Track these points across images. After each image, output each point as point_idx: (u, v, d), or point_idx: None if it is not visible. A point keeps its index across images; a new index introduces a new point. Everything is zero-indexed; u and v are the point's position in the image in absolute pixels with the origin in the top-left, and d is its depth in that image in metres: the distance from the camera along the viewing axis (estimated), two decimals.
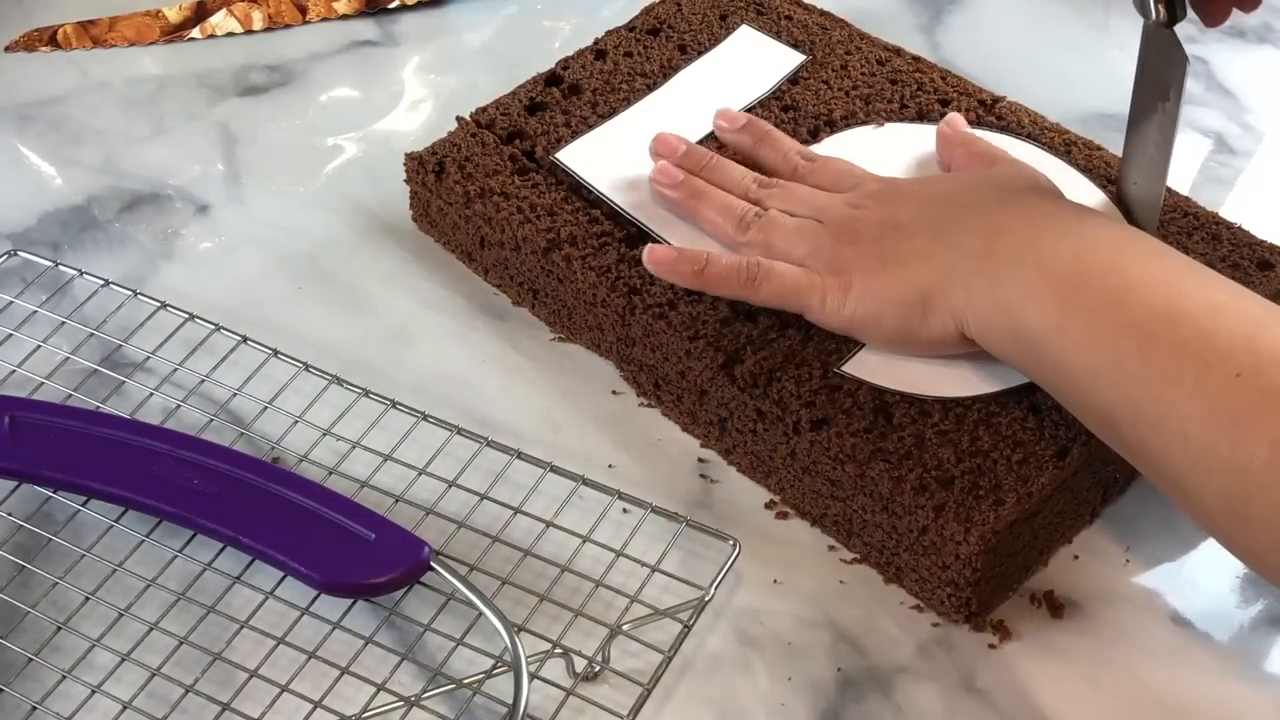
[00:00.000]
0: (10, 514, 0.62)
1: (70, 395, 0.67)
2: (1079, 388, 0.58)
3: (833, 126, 0.75)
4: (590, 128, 0.75)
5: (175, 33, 0.88)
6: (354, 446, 0.65)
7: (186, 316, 0.69)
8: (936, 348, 0.63)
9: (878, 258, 0.64)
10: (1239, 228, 0.70)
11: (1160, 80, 0.64)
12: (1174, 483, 0.56)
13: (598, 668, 0.58)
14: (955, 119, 0.73)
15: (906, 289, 0.63)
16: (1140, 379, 0.55)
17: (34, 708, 0.56)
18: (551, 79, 0.78)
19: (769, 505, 0.65)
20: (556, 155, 0.73)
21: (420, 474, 0.64)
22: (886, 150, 0.73)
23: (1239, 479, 0.52)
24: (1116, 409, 0.56)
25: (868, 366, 0.64)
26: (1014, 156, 0.70)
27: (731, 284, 0.66)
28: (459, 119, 0.76)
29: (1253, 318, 0.55)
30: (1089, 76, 0.86)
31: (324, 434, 0.65)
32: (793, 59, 0.78)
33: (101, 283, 0.71)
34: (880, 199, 0.67)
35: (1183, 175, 0.80)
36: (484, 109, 0.76)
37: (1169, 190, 0.70)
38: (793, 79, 0.78)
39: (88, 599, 0.59)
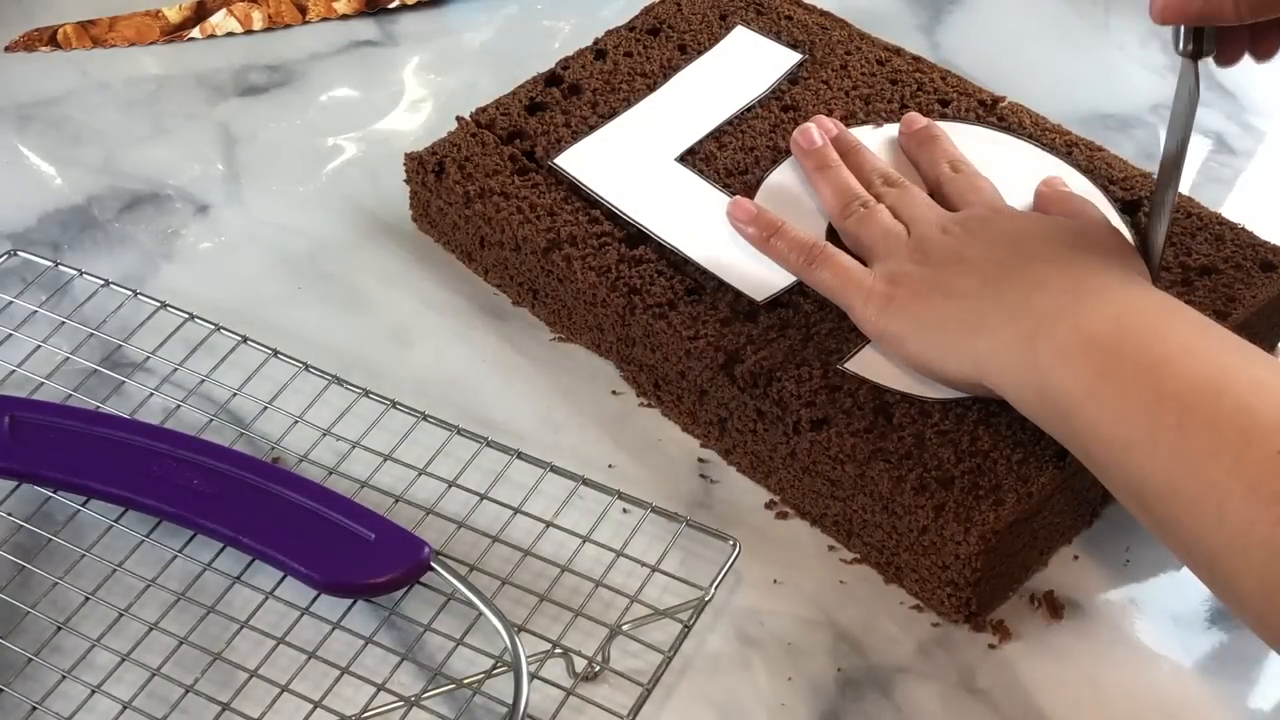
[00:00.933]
0: (10, 514, 0.62)
1: (70, 395, 0.67)
2: (1111, 458, 0.57)
3: None
4: (590, 128, 0.75)
5: (175, 33, 0.88)
6: (354, 446, 0.65)
7: (186, 316, 0.69)
8: (952, 385, 0.63)
9: (930, 283, 0.64)
10: (1242, 228, 0.70)
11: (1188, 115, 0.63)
12: (1207, 563, 0.54)
13: (598, 668, 0.58)
14: (1054, 181, 0.71)
15: (938, 320, 0.63)
16: (1177, 453, 0.54)
17: (34, 708, 0.56)
18: (551, 79, 0.78)
19: (769, 505, 0.65)
20: (555, 160, 0.73)
21: (420, 474, 0.64)
22: (886, 150, 0.73)
23: (1279, 558, 0.51)
24: (1149, 482, 0.55)
25: (870, 365, 0.64)
26: (1098, 208, 0.68)
27: (791, 260, 0.68)
28: (459, 119, 0.76)
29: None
30: (1089, 76, 0.86)
31: (324, 434, 0.65)
32: (790, 58, 0.78)
33: (101, 283, 0.71)
34: (967, 228, 0.66)
35: (1183, 175, 0.80)
36: (484, 109, 0.76)
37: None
38: (793, 79, 0.78)
39: (88, 599, 0.59)
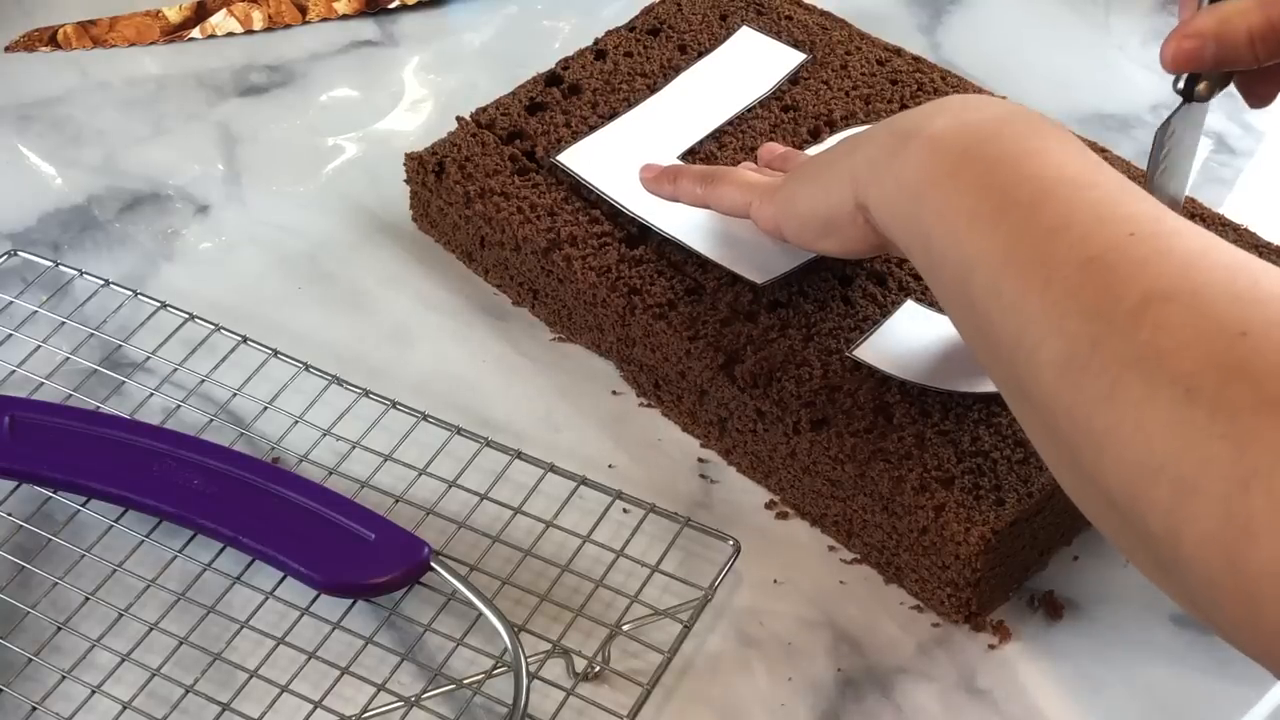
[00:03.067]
0: (10, 514, 0.62)
1: (70, 395, 0.67)
2: (950, 240, 0.53)
3: (833, 127, 0.75)
4: (590, 128, 0.75)
5: (175, 33, 0.88)
6: (354, 446, 0.65)
7: (186, 316, 0.69)
8: (842, 226, 0.61)
9: (810, 163, 0.65)
10: (1245, 229, 0.70)
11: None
12: (1014, 340, 0.50)
13: (598, 668, 0.58)
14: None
15: (818, 172, 0.63)
16: (1022, 226, 0.51)
17: (34, 708, 0.56)
18: (551, 79, 0.78)
19: (769, 505, 0.65)
20: (558, 157, 0.73)
21: (420, 474, 0.64)
22: None
23: (1095, 321, 0.47)
24: (983, 258, 0.51)
25: (877, 353, 0.64)
26: None
27: (697, 192, 0.69)
28: (459, 119, 0.76)
29: (1155, 204, 0.51)
30: (1089, 76, 0.86)
31: (324, 434, 0.65)
32: (793, 58, 0.78)
33: (101, 283, 0.71)
34: None
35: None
36: (484, 109, 0.76)
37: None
38: (793, 79, 0.78)
39: (88, 599, 0.59)
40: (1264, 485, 0.42)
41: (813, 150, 0.74)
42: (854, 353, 0.64)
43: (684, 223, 0.70)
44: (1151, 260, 0.48)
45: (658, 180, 0.71)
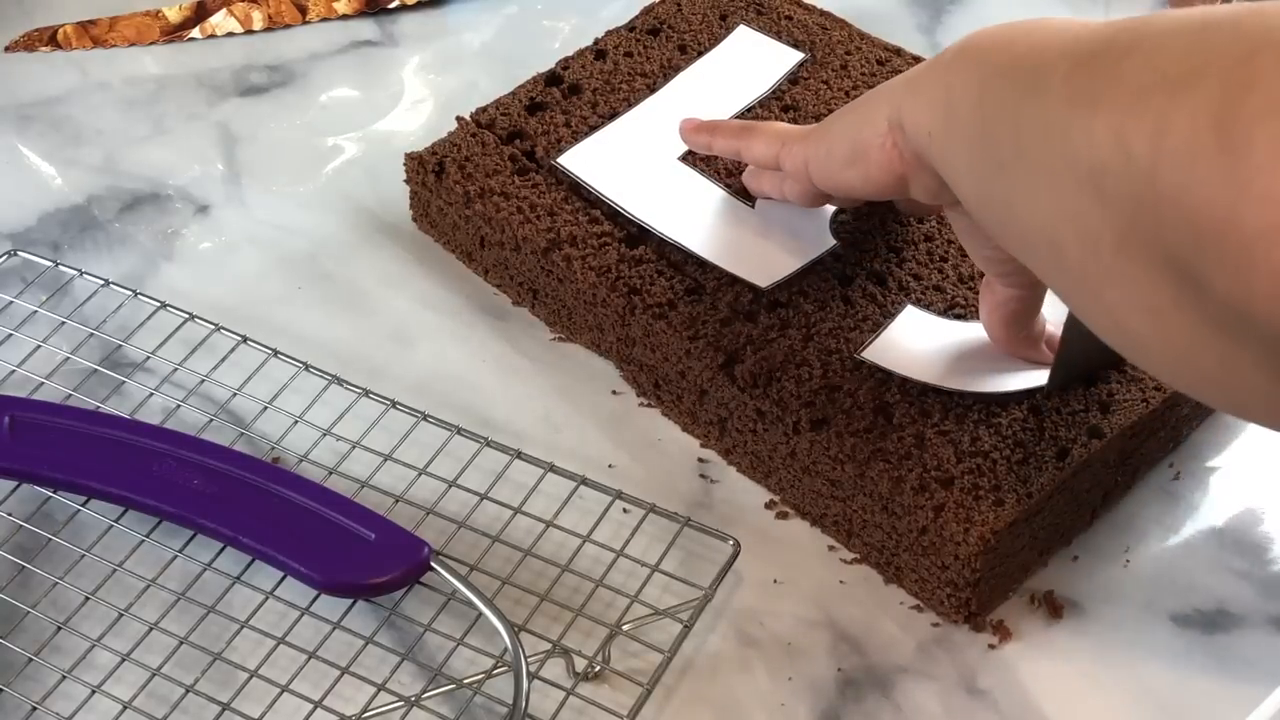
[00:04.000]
0: (10, 514, 0.62)
1: (70, 395, 0.67)
2: (975, 121, 0.53)
3: None
4: (591, 128, 0.75)
5: (175, 33, 0.88)
6: (354, 446, 0.65)
7: (186, 316, 0.69)
8: (869, 152, 0.60)
9: (850, 103, 0.63)
10: None
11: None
12: (1094, 164, 0.46)
13: (598, 668, 0.58)
14: None
15: (857, 104, 0.62)
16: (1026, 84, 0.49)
17: (34, 708, 0.56)
18: (551, 79, 0.78)
19: (769, 505, 0.65)
20: (558, 160, 0.73)
21: (420, 474, 0.64)
22: None
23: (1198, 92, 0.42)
24: (1040, 94, 0.49)
25: (885, 354, 0.64)
26: None
27: (736, 136, 0.70)
28: (459, 119, 0.76)
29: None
30: None
31: (324, 434, 0.65)
32: (792, 58, 0.78)
33: (101, 283, 0.71)
34: None
35: None
36: (484, 109, 0.76)
37: None
38: (793, 79, 0.78)
39: (88, 599, 0.59)
40: None
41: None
42: (862, 354, 0.64)
43: (684, 225, 0.70)
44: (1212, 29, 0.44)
45: (696, 131, 0.72)
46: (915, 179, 0.59)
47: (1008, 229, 0.52)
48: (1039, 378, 0.63)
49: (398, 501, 0.63)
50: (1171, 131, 0.42)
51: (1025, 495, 0.60)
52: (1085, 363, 0.63)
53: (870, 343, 0.65)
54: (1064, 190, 0.47)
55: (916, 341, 0.65)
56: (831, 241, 0.69)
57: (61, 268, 0.72)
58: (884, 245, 0.70)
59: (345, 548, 0.59)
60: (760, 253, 0.68)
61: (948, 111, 0.55)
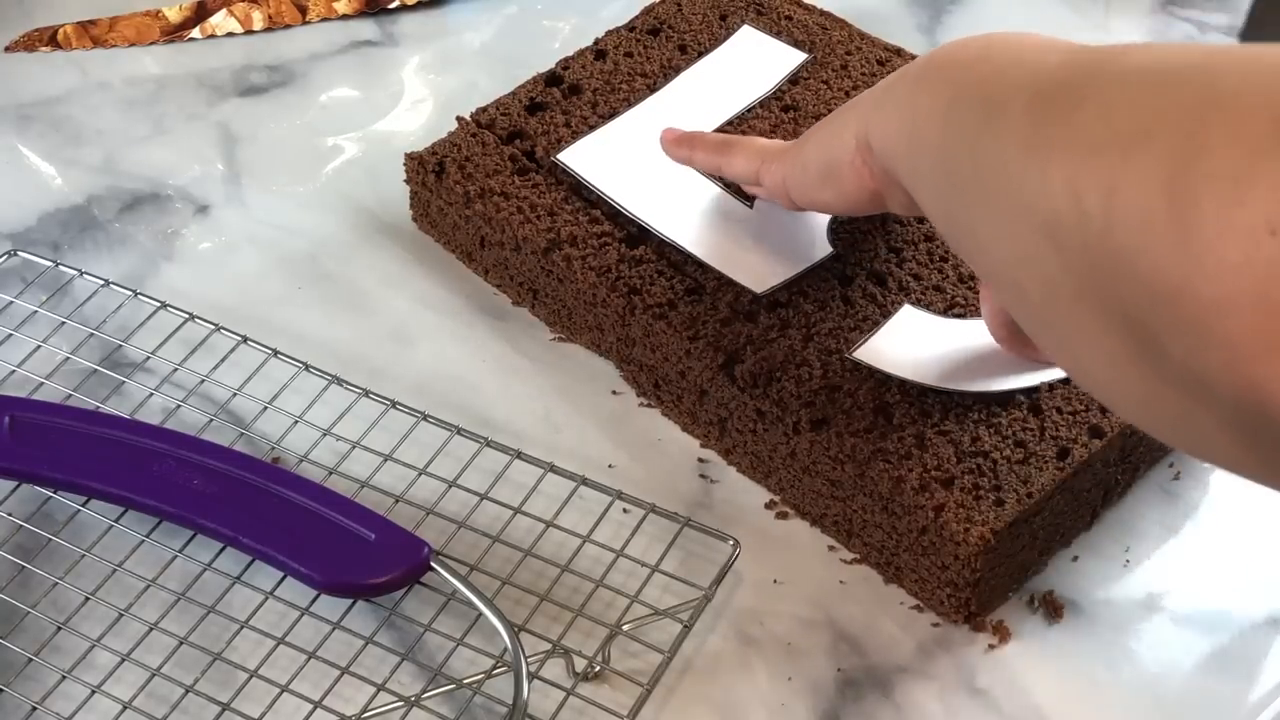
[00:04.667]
0: (10, 514, 0.62)
1: (70, 395, 0.67)
2: (939, 144, 0.52)
3: None
4: (591, 128, 0.75)
5: (175, 33, 0.88)
6: (354, 446, 0.65)
7: (186, 316, 0.69)
8: (841, 170, 0.60)
9: (823, 120, 0.63)
10: None
11: None
12: (1042, 211, 0.45)
13: (598, 668, 0.58)
14: None
15: (829, 120, 0.62)
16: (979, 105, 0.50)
17: (34, 708, 0.56)
18: (551, 79, 0.78)
19: (769, 505, 0.65)
20: (558, 156, 0.73)
21: (420, 474, 0.64)
22: None
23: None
24: (1000, 134, 0.48)
25: (877, 354, 0.64)
26: None
27: (714, 150, 0.69)
28: (459, 119, 0.76)
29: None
30: None
31: (324, 434, 0.65)
32: (794, 58, 0.78)
33: (101, 283, 0.71)
34: None
35: None
36: (484, 109, 0.76)
37: None
38: (793, 79, 0.78)
39: (88, 599, 0.59)
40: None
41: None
42: (854, 354, 0.64)
43: (683, 226, 0.70)
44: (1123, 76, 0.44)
45: (677, 143, 0.72)
46: (889, 195, 0.59)
47: (974, 257, 0.52)
48: (1034, 378, 0.63)
49: (398, 501, 0.63)
50: (1123, 192, 0.41)
51: (1025, 495, 0.60)
52: None
53: (863, 343, 0.65)
54: (1022, 233, 0.46)
55: (911, 341, 0.65)
56: (829, 249, 0.69)
57: (61, 268, 0.72)
58: (884, 245, 0.70)
59: (345, 548, 0.59)
60: (757, 256, 0.68)
61: (913, 130, 0.54)
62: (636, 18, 0.82)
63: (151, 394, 0.67)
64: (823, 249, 0.69)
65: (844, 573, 0.63)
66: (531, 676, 0.56)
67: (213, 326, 0.69)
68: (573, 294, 0.70)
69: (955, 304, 0.67)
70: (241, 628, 0.59)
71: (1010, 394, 0.63)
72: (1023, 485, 0.60)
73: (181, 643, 0.58)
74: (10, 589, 0.60)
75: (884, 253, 0.69)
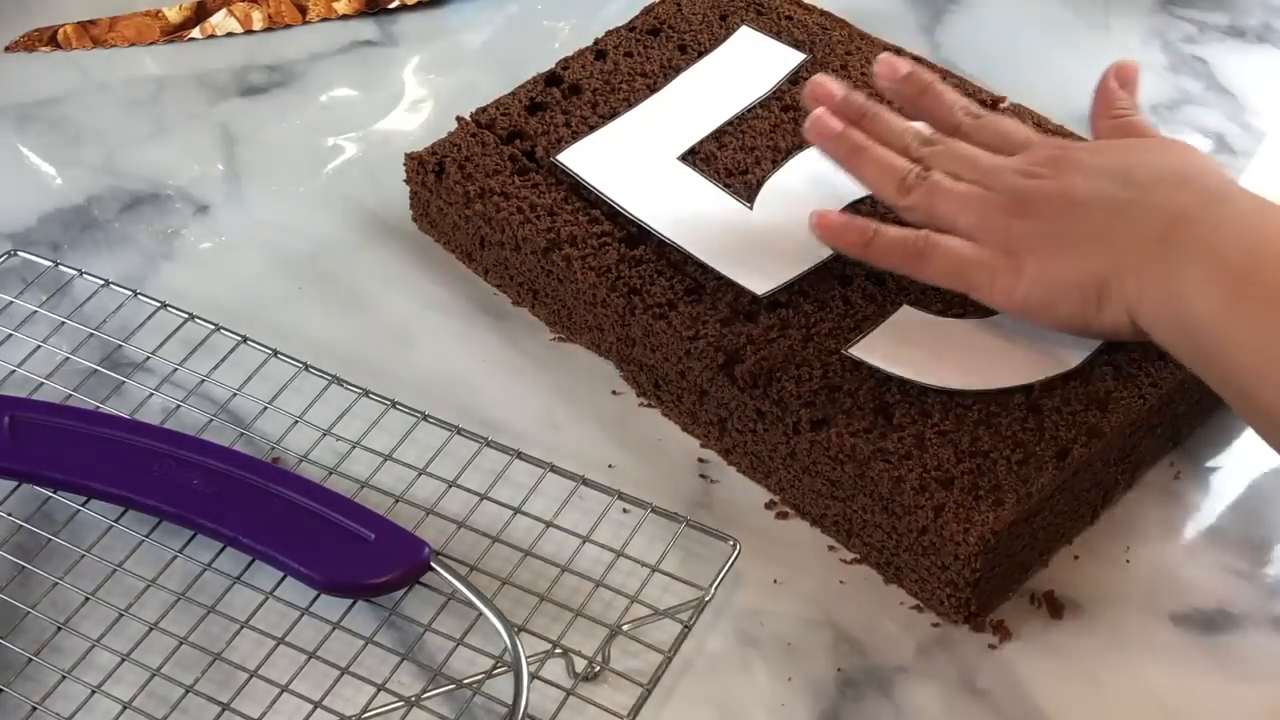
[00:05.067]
0: (10, 514, 0.62)
1: (70, 395, 0.67)
2: (1244, 387, 0.56)
3: None
4: (591, 128, 0.75)
5: (175, 33, 0.88)
6: (354, 446, 0.65)
7: (186, 316, 0.69)
8: (1110, 336, 0.62)
9: (1051, 237, 0.61)
10: None
11: None
12: None
13: (598, 668, 0.58)
14: (1127, 69, 0.68)
15: (1081, 274, 0.60)
16: None
17: (34, 708, 0.56)
18: (551, 79, 0.78)
19: (769, 505, 0.65)
20: (558, 157, 0.73)
21: (420, 474, 0.64)
22: None
23: None
24: None
25: (875, 351, 0.64)
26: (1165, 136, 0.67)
27: (898, 256, 0.65)
28: (459, 119, 0.76)
29: None
30: (1089, 76, 0.86)
31: (324, 434, 0.65)
32: (793, 58, 0.78)
33: (101, 283, 0.71)
34: (1055, 167, 0.63)
35: None
36: (484, 109, 0.76)
37: None
38: (793, 79, 0.78)
39: (88, 599, 0.59)
40: None
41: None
42: (850, 351, 0.64)
43: (683, 227, 0.70)
44: None
45: (849, 230, 0.66)
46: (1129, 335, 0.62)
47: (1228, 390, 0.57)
48: (1028, 375, 0.63)
49: (398, 501, 0.63)
50: None
51: (1025, 495, 0.60)
52: None
53: (859, 340, 0.65)
54: None
55: (910, 340, 0.65)
56: (829, 250, 0.69)
57: (61, 268, 0.72)
58: None
59: (345, 548, 0.59)
60: (758, 257, 0.68)
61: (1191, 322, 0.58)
62: (636, 18, 0.82)
63: (151, 394, 0.67)
64: (823, 250, 0.68)
65: (844, 573, 0.63)
66: (531, 676, 0.56)
67: (213, 326, 0.69)
68: (573, 294, 0.70)
69: (954, 304, 0.67)
70: (241, 628, 0.59)
71: (1009, 393, 0.63)
72: (1022, 486, 0.60)
73: (181, 643, 0.58)
74: (10, 589, 0.60)
75: None
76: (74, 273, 0.72)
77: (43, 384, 0.67)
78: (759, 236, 0.70)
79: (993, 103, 0.76)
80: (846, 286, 0.68)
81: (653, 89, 0.77)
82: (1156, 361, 0.64)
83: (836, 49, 0.79)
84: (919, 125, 0.68)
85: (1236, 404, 0.58)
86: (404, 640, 0.59)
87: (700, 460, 0.67)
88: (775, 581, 0.62)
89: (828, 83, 0.69)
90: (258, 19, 0.89)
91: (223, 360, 0.68)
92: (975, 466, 0.61)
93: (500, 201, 0.72)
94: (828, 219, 0.66)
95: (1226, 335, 0.56)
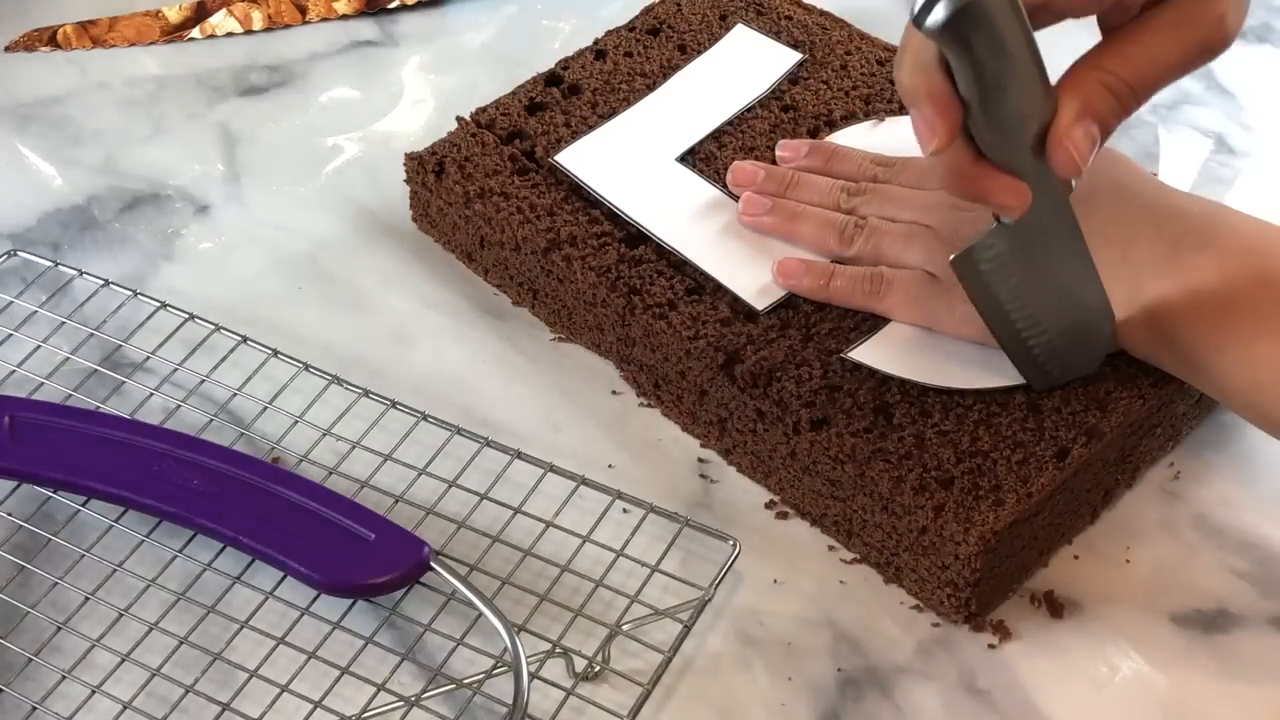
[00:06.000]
0: (10, 514, 0.62)
1: (70, 395, 0.67)
2: (1246, 400, 0.59)
3: (833, 127, 0.75)
4: (590, 128, 0.75)
5: (175, 33, 0.88)
6: (354, 446, 0.65)
7: (186, 316, 0.69)
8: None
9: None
10: None
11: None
12: None
13: (598, 668, 0.58)
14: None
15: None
16: None
17: (34, 708, 0.56)
18: (551, 79, 0.78)
19: (769, 505, 0.65)
20: (556, 157, 0.73)
21: (420, 474, 0.64)
22: (887, 145, 0.73)
23: None
24: None
25: (874, 354, 0.64)
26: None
27: (856, 296, 0.66)
28: (459, 119, 0.76)
29: None
30: None
31: (324, 434, 0.65)
32: (790, 58, 0.78)
33: (101, 283, 0.71)
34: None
35: (1183, 175, 0.80)
36: (484, 109, 0.76)
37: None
38: (793, 79, 0.78)
39: (88, 599, 0.59)
40: None
41: (861, 131, 0.73)
42: (849, 354, 0.64)
43: (684, 233, 0.70)
44: None
45: (808, 275, 0.67)
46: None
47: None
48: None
49: (398, 501, 0.63)
50: None
51: (1025, 495, 0.60)
52: (1063, 365, 0.63)
53: (859, 344, 0.65)
54: None
55: (909, 340, 0.65)
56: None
57: (61, 268, 0.72)
58: None
59: (345, 548, 0.59)
60: (757, 264, 0.68)
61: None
62: (636, 18, 0.82)
63: (151, 394, 0.67)
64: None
65: (844, 573, 0.63)
66: (531, 676, 0.56)
67: (213, 326, 0.69)
68: (573, 294, 0.70)
69: None
70: (241, 628, 0.59)
71: (1009, 392, 0.63)
72: (1022, 486, 0.60)
73: (181, 643, 0.58)
74: (10, 589, 0.60)
75: None
76: (74, 273, 0.72)
77: (43, 384, 0.67)
78: (757, 240, 0.70)
79: None
80: None
81: (652, 89, 0.77)
82: None
83: (836, 49, 0.79)
84: (839, 181, 0.70)
85: (1240, 411, 0.60)
86: (404, 640, 0.59)
87: (700, 460, 0.67)
88: (775, 581, 0.62)
89: (747, 165, 0.72)
90: (258, 19, 0.89)
91: (223, 360, 0.68)
92: (975, 466, 0.61)
93: (500, 201, 0.72)
94: (786, 265, 0.67)
95: (1220, 359, 0.59)
